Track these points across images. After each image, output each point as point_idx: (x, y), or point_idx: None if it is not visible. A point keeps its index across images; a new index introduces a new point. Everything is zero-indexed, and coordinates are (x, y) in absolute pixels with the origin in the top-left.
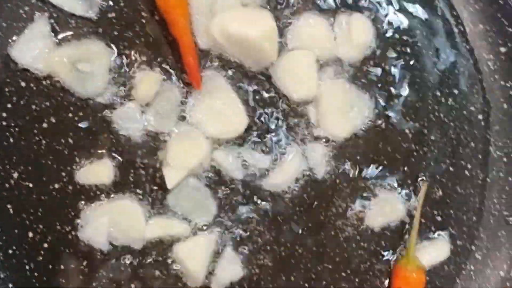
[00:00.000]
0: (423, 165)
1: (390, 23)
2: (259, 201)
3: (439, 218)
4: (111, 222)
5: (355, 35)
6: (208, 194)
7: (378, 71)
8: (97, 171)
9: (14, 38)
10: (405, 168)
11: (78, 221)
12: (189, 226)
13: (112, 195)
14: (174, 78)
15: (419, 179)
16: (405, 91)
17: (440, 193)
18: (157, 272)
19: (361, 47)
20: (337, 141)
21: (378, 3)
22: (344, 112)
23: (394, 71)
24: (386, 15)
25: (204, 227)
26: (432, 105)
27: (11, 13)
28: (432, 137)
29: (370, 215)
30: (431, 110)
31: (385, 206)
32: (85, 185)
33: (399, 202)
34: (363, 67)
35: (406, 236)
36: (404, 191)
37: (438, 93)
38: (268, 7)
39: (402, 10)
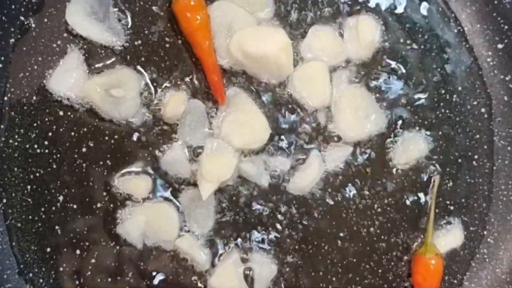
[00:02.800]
0: (434, 158)
1: (394, 26)
2: (284, 205)
3: (451, 207)
4: (147, 223)
5: (363, 35)
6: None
7: (385, 72)
8: (136, 187)
9: (50, 71)
10: (418, 161)
11: (118, 215)
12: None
13: (151, 199)
14: (200, 96)
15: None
16: (412, 91)
17: (451, 183)
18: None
19: (369, 47)
20: (351, 143)
21: (380, 6)
22: (358, 116)
23: (401, 72)
24: (391, 17)
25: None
26: (438, 102)
27: (46, 47)
28: (440, 132)
29: (396, 153)
30: (437, 107)
31: (409, 145)
32: (125, 202)
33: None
34: (371, 68)
35: (422, 226)
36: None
37: (443, 91)
38: (280, 23)
39: (405, 12)
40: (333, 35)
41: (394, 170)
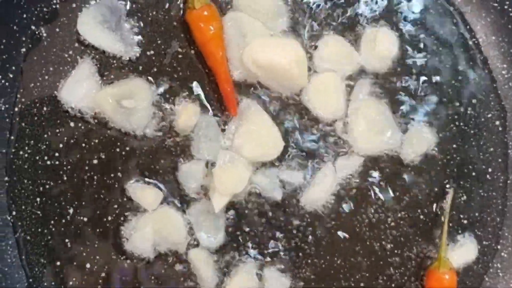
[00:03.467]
0: (447, 172)
1: (409, 38)
2: (297, 218)
3: (465, 221)
4: (155, 231)
5: (380, 48)
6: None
7: (400, 84)
8: (146, 197)
9: (61, 81)
10: (431, 175)
11: (123, 233)
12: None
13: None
14: (212, 107)
15: (446, 186)
16: (426, 103)
17: (465, 197)
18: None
19: (385, 59)
20: (366, 156)
21: (397, 19)
22: (373, 130)
23: (416, 85)
24: (405, 29)
25: (249, 247)
26: (452, 115)
27: (57, 57)
28: (454, 145)
29: (403, 148)
30: (451, 120)
31: (415, 138)
32: (136, 213)
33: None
34: (388, 80)
35: (436, 240)
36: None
37: (457, 104)
38: (295, 34)
39: (420, 24)
40: (345, 45)
41: (407, 183)
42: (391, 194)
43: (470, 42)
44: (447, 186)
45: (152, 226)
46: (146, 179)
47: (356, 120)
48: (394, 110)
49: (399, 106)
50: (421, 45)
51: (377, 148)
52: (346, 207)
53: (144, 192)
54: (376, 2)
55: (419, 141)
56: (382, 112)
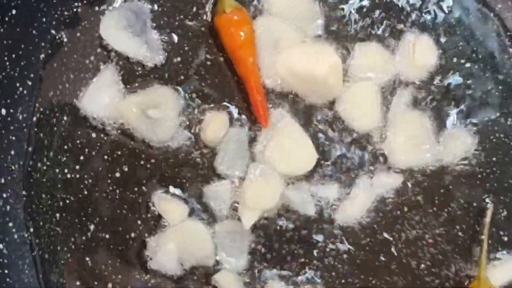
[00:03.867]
0: (487, 186)
1: (450, 46)
2: (330, 235)
3: (505, 238)
4: (179, 246)
5: (419, 56)
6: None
7: (438, 94)
8: (172, 210)
9: (82, 89)
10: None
11: (147, 253)
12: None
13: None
14: (242, 117)
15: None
16: (465, 114)
17: (505, 213)
18: None
19: (424, 68)
20: (404, 170)
21: (436, 25)
22: (411, 144)
23: (454, 94)
24: (445, 38)
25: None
26: (493, 126)
27: (78, 64)
28: (494, 159)
29: (444, 153)
30: (491, 131)
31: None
32: (161, 229)
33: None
34: (425, 89)
35: (475, 258)
36: None
37: (498, 114)
38: (329, 40)
39: (460, 33)
40: (382, 52)
41: (445, 198)
42: (429, 209)
43: (511, 50)
44: (487, 201)
45: (176, 241)
46: (172, 192)
47: (395, 132)
48: (432, 121)
49: (437, 116)
50: (461, 53)
51: (414, 162)
52: (381, 223)
53: (170, 205)
54: (415, 8)
55: (459, 143)
56: (422, 125)
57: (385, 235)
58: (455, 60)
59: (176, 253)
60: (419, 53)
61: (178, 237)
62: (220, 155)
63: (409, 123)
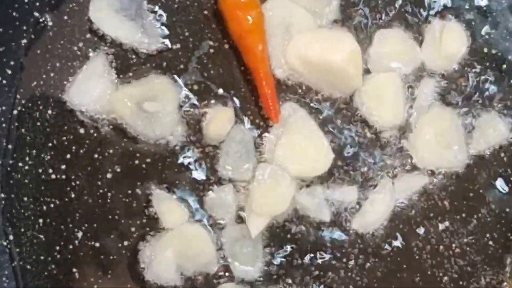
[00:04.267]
0: None
1: (482, 34)
2: (348, 244)
3: None
4: (179, 253)
5: (447, 45)
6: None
7: (467, 86)
8: (171, 212)
9: (69, 79)
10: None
11: (141, 262)
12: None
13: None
14: (249, 113)
15: None
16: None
17: None
18: None
19: (452, 58)
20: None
21: (467, 12)
22: (439, 143)
23: (484, 86)
24: (476, 25)
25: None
26: None
27: (65, 51)
28: None
29: (473, 139)
30: None
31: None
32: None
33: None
34: (453, 80)
35: (507, 270)
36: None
37: None
38: (346, 25)
39: (492, 19)
40: (406, 39)
41: (475, 203)
42: (457, 216)
43: None
44: None
45: (174, 247)
46: (171, 192)
47: (421, 129)
48: (462, 117)
49: (467, 111)
50: (494, 43)
51: (442, 163)
52: (404, 231)
53: (169, 206)
54: None
55: (492, 130)
56: (451, 122)
57: (408, 244)
58: (485, 50)
59: (174, 260)
60: (448, 41)
61: (176, 243)
62: (223, 157)
63: (436, 119)
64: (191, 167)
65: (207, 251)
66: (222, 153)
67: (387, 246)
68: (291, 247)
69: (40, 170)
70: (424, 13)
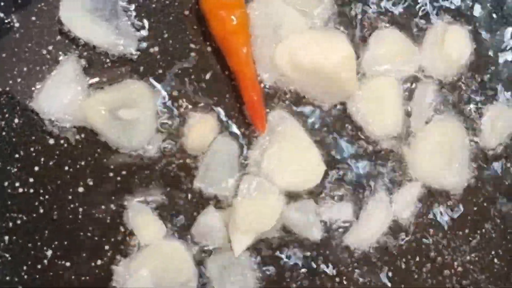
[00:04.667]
0: None
1: (487, 38)
2: (341, 263)
3: None
4: (155, 272)
5: (449, 49)
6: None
7: (473, 92)
8: (147, 227)
9: (37, 85)
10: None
11: (115, 282)
12: None
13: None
14: (233, 121)
15: None
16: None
17: None
18: None
19: (454, 63)
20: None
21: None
22: (440, 157)
23: (487, 95)
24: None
25: None
26: None
27: (33, 54)
28: None
29: (483, 136)
30: None
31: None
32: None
33: None
34: (456, 87)
35: None
36: None
37: None
38: (340, 26)
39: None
40: (405, 41)
41: (478, 218)
42: (458, 232)
43: None
44: None
45: (151, 265)
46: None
47: (420, 139)
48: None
49: (470, 121)
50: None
51: (439, 181)
52: (402, 248)
53: (146, 219)
54: None
55: (501, 122)
56: (454, 133)
57: (406, 263)
58: (491, 53)
59: (150, 280)
60: (450, 45)
61: (152, 261)
62: (203, 170)
63: (438, 128)
64: (170, 179)
65: (186, 269)
66: (202, 165)
67: (383, 266)
68: (276, 268)
69: (6, 183)
70: (426, 12)
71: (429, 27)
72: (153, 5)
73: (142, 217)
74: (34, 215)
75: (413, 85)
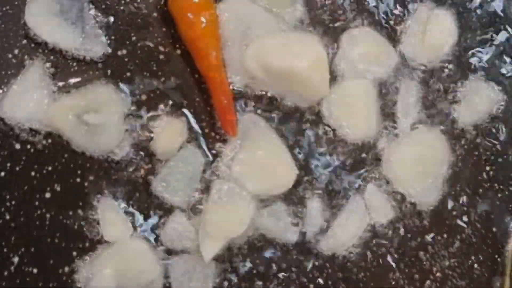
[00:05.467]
0: (510, 206)
1: (473, 22)
2: (315, 268)
3: None
4: (118, 272)
5: (433, 35)
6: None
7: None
8: (115, 223)
9: (2, 89)
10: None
11: (79, 283)
12: None
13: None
14: (203, 125)
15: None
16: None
17: None
18: None
19: (437, 51)
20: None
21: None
22: (418, 170)
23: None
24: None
25: None
26: None
27: None
28: None
29: (459, 112)
30: None
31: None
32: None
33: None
34: (435, 77)
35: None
36: None
37: None
38: (312, 27)
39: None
40: (379, 41)
41: (458, 222)
42: (437, 236)
43: None
44: (511, 225)
45: (114, 265)
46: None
47: (405, 144)
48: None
49: (451, 125)
50: (488, 32)
51: (412, 192)
52: (378, 253)
53: (114, 216)
54: None
55: (480, 99)
56: (438, 151)
57: (383, 268)
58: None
59: (114, 280)
60: (433, 30)
61: (116, 261)
62: (164, 176)
63: (422, 139)
64: (139, 184)
65: (151, 269)
66: (164, 172)
67: (359, 271)
68: (248, 274)
69: None
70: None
71: (411, 17)
72: (121, 7)
73: (110, 213)
74: (0, 221)
75: (391, 86)
